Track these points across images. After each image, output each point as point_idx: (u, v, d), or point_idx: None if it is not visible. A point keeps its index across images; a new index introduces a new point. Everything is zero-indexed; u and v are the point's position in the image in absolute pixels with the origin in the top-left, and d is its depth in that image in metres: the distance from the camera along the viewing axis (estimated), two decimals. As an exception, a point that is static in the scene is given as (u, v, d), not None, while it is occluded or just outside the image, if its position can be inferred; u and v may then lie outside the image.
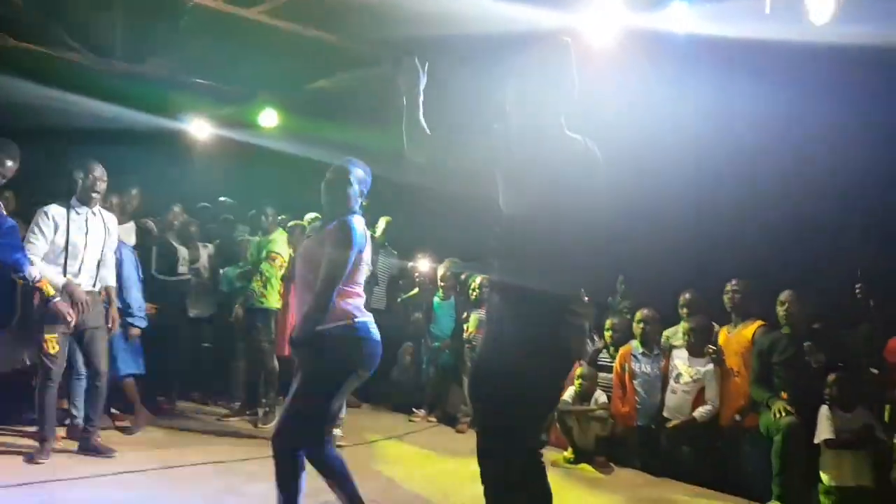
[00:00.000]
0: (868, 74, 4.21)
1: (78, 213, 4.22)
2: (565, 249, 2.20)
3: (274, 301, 5.58)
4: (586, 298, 2.38)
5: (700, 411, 4.60)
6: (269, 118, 7.79)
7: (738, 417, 4.52)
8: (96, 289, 4.33)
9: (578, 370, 4.91)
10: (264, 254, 5.60)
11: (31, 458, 4.08)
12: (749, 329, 4.58)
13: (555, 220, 2.19)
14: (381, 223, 6.72)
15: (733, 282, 4.69)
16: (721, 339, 4.76)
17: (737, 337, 4.63)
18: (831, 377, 4.06)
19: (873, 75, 4.21)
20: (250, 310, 5.55)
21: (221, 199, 7.28)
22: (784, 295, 4.34)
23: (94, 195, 4.26)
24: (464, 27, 4.80)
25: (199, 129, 8.35)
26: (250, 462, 4.30)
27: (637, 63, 4.77)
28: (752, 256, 4.97)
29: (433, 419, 6.12)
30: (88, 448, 4.32)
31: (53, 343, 4.10)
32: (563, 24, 4.72)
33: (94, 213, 4.32)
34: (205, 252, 6.23)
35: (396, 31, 5.07)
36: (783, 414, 4.01)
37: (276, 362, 5.57)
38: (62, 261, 4.16)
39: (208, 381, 6.30)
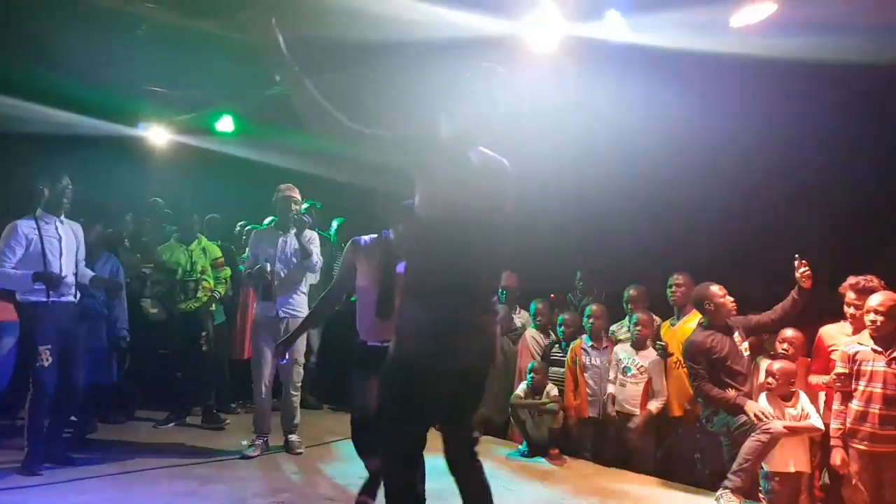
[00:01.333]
0: (792, 82, 4.50)
1: (47, 224, 4.34)
2: (468, 250, 2.49)
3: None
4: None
5: (655, 404, 4.84)
6: (226, 125, 7.88)
7: (687, 406, 4.73)
8: (76, 300, 4.45)
9: (531, 364, 5.14)
10: (209, 262, 5.87)
11: (30, 470, 4.19)
12: (690, 321, 4.82)
13: (462, 225, 2.48)
14: (334, 224, 6.89)
15: (676, 276, 4.96)
16: (664, 332, 5.01)
17: (681, 329, 4.87)
18: (772, 367, 4.29)
19: (798, 83, 4.51)
20: (194, 314, 5.77)
21: (154, 199, 7.29)
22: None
23: (63, 204, 4.38)
24: (410, 32, 4.96)
25: (157, 135, 8.42)
26: (203, 465, 4.50)
27: (576, 70, 5.01)
28: (695, 252, 5.26)
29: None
30: (53, 457, 4.41)
31: (47, 355, 4.23)
32: (505, 31, 4.96)
33: (61, 222, 4.43)
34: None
35: (347, 36, 5.21)
36: (767, 418, 4.06)
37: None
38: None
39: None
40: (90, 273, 4.70)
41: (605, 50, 4.81)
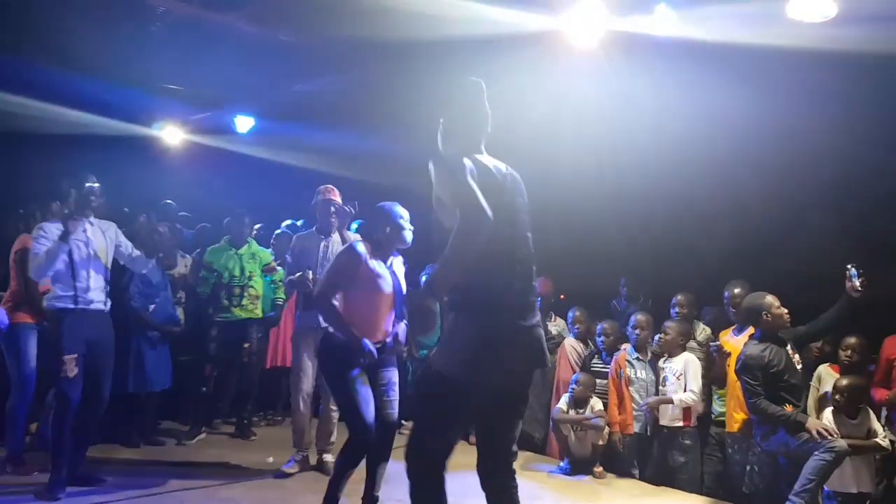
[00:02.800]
0: (858, 76, 4.28)
1: (75, 227, 4.11)
2: (514, 255, 2.55)
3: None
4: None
5: (681, 396, 4.67)
6: (244, 124, 7.74)
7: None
8: (107, 308, 4.26)
9: (575, 376, 4.97)
10: (258, 267, 5.70)
11: (49, 495, 3.99)
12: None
13: (505, 231, 2.52)
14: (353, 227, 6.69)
15: (736, 289, 4.71)
16: (724, 338, 4.79)
17: (744, 340, 4.58)
18: (840, 383, 4.13)
19: (862, 78, 4.29)
20: (238, 323, 5.60)
21: (167, 201, 7.15)
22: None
23: (92, 204, 4.19)
24: (449, 30, 4.80)
25: (172, 135, 8.29)
26: (231, 487, 4.36)
27: (620, 66, 4.81)
28: (750, 259, 5.05)
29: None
30: (78, 478, 4.24)
31: (72, 366, 4.04)
32: (546, 26, 4.78)
33: (91, 224, 4.23)
34: (182, 263, 6.09)
35: (376, 33, 5.04)
36: (831, 436, 3.90)
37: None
38: (69, 280, 4.09)
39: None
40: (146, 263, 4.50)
41: (651, 45, 4.61)
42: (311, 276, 4.73)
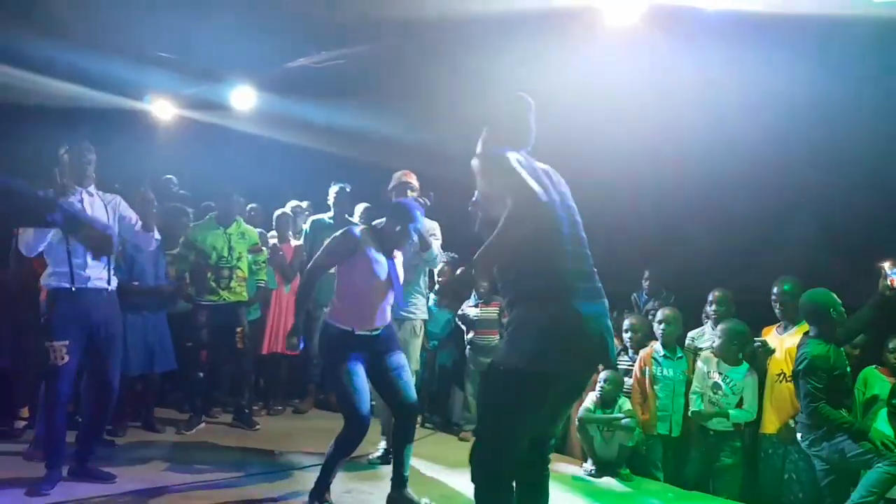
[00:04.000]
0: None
1: (70, 196, 3.74)
2: (566, 244, 2.52)
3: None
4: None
5: (738, 414, 4.45)
6: (243, 98, 7.36)
7: (792, 423, 4.31)
8: (111, 286, 3.91)
9: (603, 374, 4.71)
10: (246, 247, 5.45)
11: (36, 490, 3.66)
12: (799, 334, 4.33)
13: (551, 221, 2.54)
14: (359, 209, 6.38)
15: (787, 285, 4.46)
16: (767, 338, 4.57)
17: (790, 339, 4.41)
18: None
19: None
20: (228, 307, 5.33)
21: (168, 176, 6.80)
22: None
23: (87, 172, 3.84)
24: (473, 5, 4.51)
25: (163, 109, 7.90)
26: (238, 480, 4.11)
27: (660, 44, 4.53)
28: (794, 253, 4.81)
29: (430, 426, 5.87)
30: (84, 474, 3.92)
31: (62, 353, 3.70)
32: (582, 3, 4.50)
33: (89, 194, 3.88)
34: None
35: (420, 11, 4.74)
36: (893, 447, 3.72)
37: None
38: (64, 256, 3.74)
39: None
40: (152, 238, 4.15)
41: (693, 20, 4.33)
42: None
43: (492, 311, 5.58)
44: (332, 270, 3.78)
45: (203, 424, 5.36)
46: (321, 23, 5.77)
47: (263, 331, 5.96)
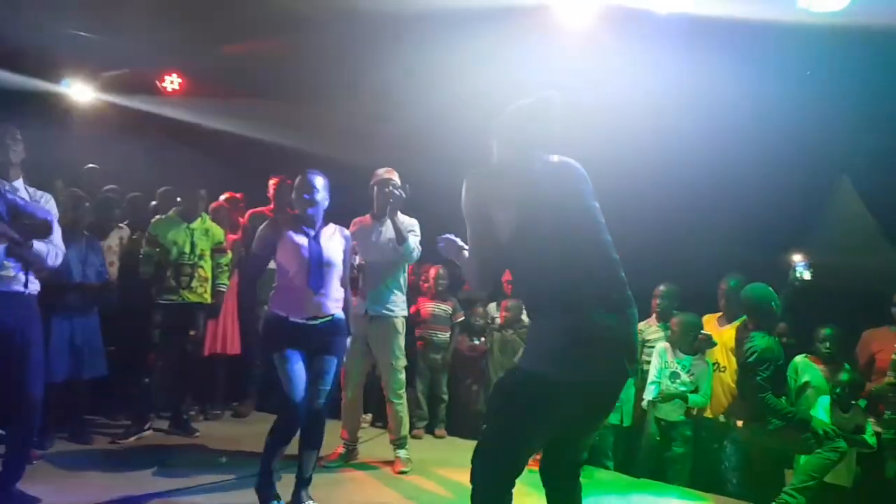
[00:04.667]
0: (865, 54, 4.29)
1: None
2: (567, 252, 2.40)
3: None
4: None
5: (696, 399, 4.62)
6: (171, 84, 7.03)
7: (721, 418, 4.55)
8: (28, 290, 3.54)
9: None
10: (210, 245, 5.21)
11: None
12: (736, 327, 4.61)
13: (550, 229, 2.42)
14: None
15: (731, 281, 4.71)
16: (709, 330, 4.78)
17: (728, 331, 4.67)
18: (841, 377, 4.21)
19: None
20: (185, 307, 5.09)
21: (90, 166, 6.41)
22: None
23: (11, 163, 3.54)
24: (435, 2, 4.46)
25: (81, 93, 7.43)
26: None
27: (614, 45, 4.63)
28: (718, 246, 5.06)
29: (381, 425, 5.83)
30: (6, 499, 3.59)
31: None
32: (536, 1, 4.53)
33: (14, 188, 3.54)
34: (116, 235, 5.42)
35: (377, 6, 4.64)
36: (833, 435, 3.94)
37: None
38: None
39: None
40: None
41: (646, 22, 4.44)
42: (356, 261, 4.57)
43: (445, 308, 5.59)
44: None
45: (150, 431, 5.10)
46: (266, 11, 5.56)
47: (205, 332, 5.68)
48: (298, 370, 3.54)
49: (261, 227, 3.73)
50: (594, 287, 2.38)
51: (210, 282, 5.23)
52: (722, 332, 4.71)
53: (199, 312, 5.19)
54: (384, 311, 4.53)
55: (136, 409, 5.13)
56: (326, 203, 3.73)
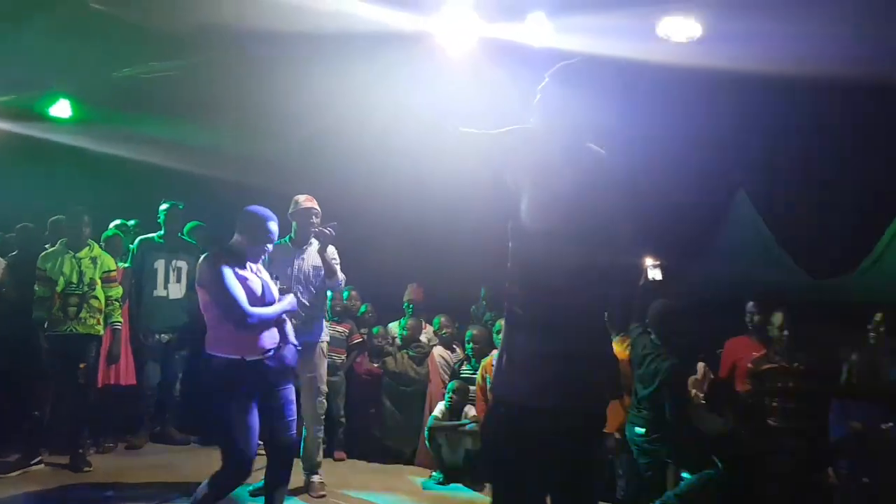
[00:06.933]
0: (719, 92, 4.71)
1: None
2: (599, 272, 2.22)
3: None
4: None
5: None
6: (62, 109, 6.92)
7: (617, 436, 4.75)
8: None
9: (450, 384, 5.02)
10: (99, 274, 5.12)
11: None
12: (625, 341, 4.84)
13: (549, 230, 2.21)
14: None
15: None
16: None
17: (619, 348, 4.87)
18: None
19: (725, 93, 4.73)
20: (75, 338, 5.01)
21: None
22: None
23: None
24: (313, 24, 4.62)
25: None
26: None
27: (493, 74, 4.91)
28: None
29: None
30: None
31: None
32: (418, 27, 4.77)
33: None
34: None
35: (247, 24, 4.77)
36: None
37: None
38: None
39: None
40: None
41: (526, 54, 4.75)
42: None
43: (341, 331, 5.72)
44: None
45: (40, 465, 5.00)
46: (145, 33, 5.60)
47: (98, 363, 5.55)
48: (255, 422, 3.38)
49: (207, 265, 3.45)
50: (538, 306, 2.25)
51: (102, 313, 5.17)
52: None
53: (90, 344, 5.11)
54: (308, 339, 4.54)
55: (25, 442, 5.03)
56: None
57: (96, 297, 5.10)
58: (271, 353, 3.46)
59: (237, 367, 3.36)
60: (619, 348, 4.82)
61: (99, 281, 5.15)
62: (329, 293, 5.26)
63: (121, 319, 5.33)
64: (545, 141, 2.32)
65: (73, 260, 5.06)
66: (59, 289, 4.99)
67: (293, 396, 3.61)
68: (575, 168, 2.27)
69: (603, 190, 2.27)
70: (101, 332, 5.18)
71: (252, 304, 3.42)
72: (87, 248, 5.16)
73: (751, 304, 4.84)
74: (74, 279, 5.03)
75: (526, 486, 2.22)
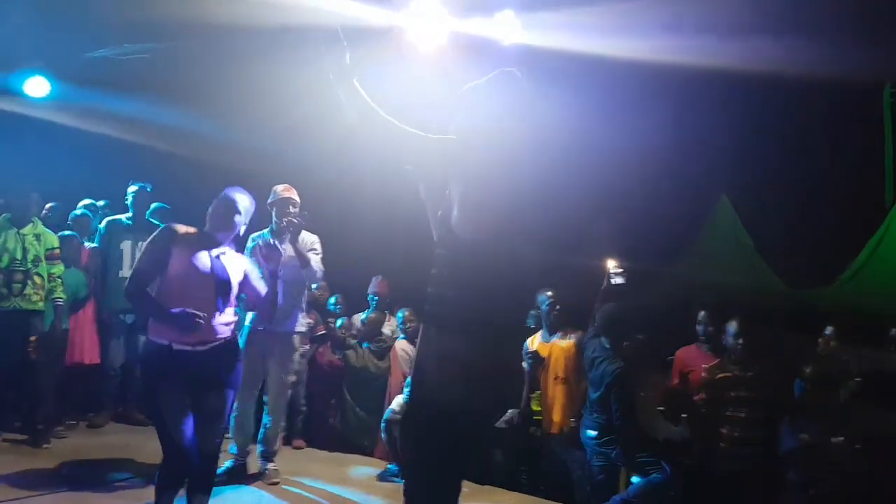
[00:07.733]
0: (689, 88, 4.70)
1: None
2: (525, 276, 2.35)
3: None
4: None
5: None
6: (38, 87, 6.88)
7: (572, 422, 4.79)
8: None
9: (409, 378, 5.01)
10: (42, 251, 5.15)
11: None
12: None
13: (516, 244, 2.29)
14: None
15: (549, 293, 4.95)
16: (534, 346, 5.00)
17: (561, 343, 4.92)
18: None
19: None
20: (18, 314, 5.03)
21: None
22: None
23: None
24: (282, 17, 4.62)
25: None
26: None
27: (462, 70, 4.90)
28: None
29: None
30: None
31: None
32: (387, 22, 4.77)
33: None
34: None
35: (205, 14, 4.75)
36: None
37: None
38: None
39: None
40: None
41: (496, 50, 4.75)
42: None
43: (307, 322, 5.71)
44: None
45: None
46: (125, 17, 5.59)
47: (65, 341, 5.61)
48: (183, 410, 3.21)
49: (153, 236, 3.37)
50: (505, 313, 2.38)
51: (45, 290, 5.18)
52: (553, 345, 4.94)
53: (34, 319, 5.14)
54: (284, 329, 4.60)
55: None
56: (243, 229, 3.54)
57: (39, 274, 5.14)
58: (207, 347, 3.26)
59: (166, 354, 3.21)
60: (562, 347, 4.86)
61: (43, 258, 5.18)
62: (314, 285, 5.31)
63: (63, 296, 5.32)
64: (485, 150, 2.35)
65: (18, 236, 5.11)
66: (3, 265, 5.03)
67: (228, 404, 3.41)
68: (511, 177, 2.33)
69: (542, 197, 2.39)
70: (43, 308, 5.20)
71: (191, 282, 3.25)
72: (31, 224, 5.20)
73: (702, 313, 4.83)
74: (19, 255, 5.07)
75: (449, 481, 2.38)
